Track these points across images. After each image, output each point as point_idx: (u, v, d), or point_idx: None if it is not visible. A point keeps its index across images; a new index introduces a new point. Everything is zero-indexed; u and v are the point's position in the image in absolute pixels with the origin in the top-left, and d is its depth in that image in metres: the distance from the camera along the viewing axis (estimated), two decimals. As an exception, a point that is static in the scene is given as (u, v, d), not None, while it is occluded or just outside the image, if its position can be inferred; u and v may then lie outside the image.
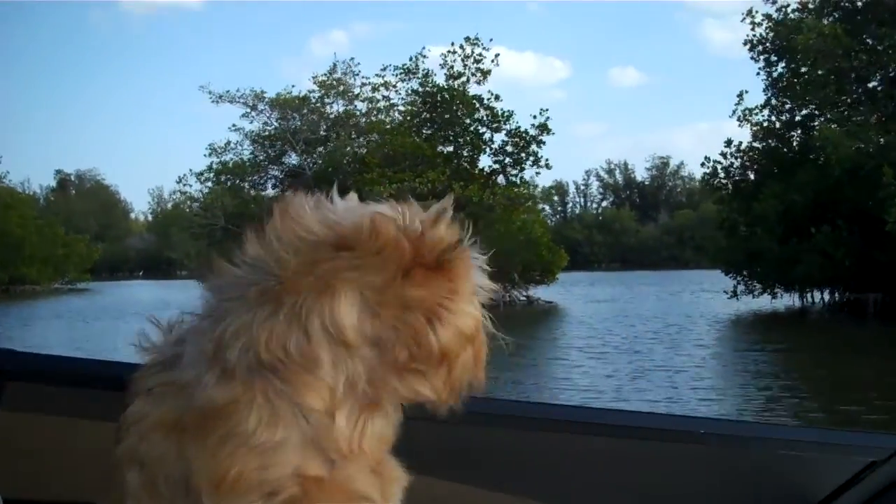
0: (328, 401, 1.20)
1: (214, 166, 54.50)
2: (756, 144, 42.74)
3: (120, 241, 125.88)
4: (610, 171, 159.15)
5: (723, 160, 43.27)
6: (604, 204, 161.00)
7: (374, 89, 52.85)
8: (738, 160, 43.03)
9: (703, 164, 43.80)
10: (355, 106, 53.85)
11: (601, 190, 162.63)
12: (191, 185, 54.90)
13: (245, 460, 1.18)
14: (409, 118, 51.95)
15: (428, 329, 1.24)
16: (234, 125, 55.00)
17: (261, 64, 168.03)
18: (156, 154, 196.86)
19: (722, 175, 43.61)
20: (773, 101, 41.78)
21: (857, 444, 1.96)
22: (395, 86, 52.37)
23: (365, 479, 1.26)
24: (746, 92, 43.55)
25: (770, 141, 42.19)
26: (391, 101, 53.13)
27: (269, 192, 55.17)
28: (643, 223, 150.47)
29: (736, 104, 43.49)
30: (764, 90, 42.14)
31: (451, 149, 50.85)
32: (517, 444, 1.96)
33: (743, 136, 47.52)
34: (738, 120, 43.60)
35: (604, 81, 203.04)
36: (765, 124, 42.44)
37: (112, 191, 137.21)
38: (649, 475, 1.99)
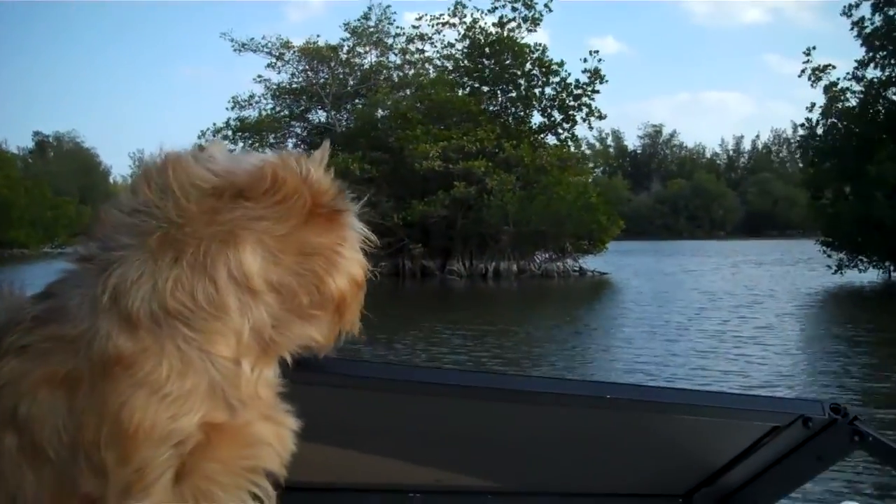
0: (235, 348, 1.21)
1: (232, 123, 50.27)
2: (850, 104, 38.99)
3: (102, 204, 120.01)
4: (601, 140, 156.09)
5: (822, 119, 39.55)
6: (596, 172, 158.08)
7: (410, 41, 48.72)
8: (839, 121, 39.20)
9: (799, 127, 40.33)
10: (388, 58, 49.44)
11: (593, 158, 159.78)
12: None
13: (157, 410, 1.16)
14: (450, 70, 47.90)
15: (327, 275, 1.27)
16: (259, 76, 50.64)
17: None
18: (136, 116, 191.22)
19: (821, 136, 39.87)
20: (877, 57, 37.96)
21: (762, 409, 1.91)
22: (430, 38, 48.31)
23: (262, 425, 1.26)
24: (814, 48, 40.12)
25: (876, 99, 38.39)
26: (426, 55, 49.06)
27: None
28: (636, 192, 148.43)
29: (805, 62, 40.13)
30: (863, 44, 38.40)
31: (498, 104, 46.92)
32: (414, 409, 1.84)
33: (807, 97, 43.68)
34: (809, 79, 40.32)
35: (582, 51, 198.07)
36: (862, 83, 38.69)
37: (91, 153, 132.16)
38: (554, 440, 1.97)
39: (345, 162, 42.53)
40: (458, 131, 43.05)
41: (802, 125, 40.98)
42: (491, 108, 46.73)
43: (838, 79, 39.48)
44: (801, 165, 48.04)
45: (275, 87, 49.65)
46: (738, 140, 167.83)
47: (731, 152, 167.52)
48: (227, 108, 50.35)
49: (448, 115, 44.86)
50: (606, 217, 43.17)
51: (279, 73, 49.40)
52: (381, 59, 48.92)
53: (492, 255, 44.41)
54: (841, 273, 37.38)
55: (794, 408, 1.89)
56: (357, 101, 49.44)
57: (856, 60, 39.03)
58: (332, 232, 1.30)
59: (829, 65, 39.69)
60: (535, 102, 45.56)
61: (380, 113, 46.92)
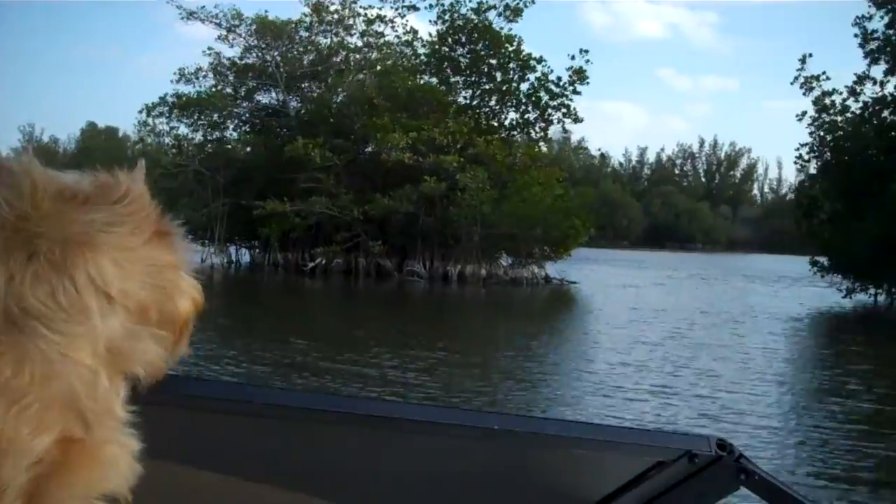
0: (94, 357, 1.12)
1: (169, 99, 46.03)
2: (848, 115, 37.63)
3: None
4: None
5: (821, 133, 38.08)
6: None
7: (371, 22, 45.24)
8: (836, 134, 37.79)
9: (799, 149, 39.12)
10: (348, 39, 45.80)
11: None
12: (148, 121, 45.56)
13: (17, 423, 1.05)
14: (415, 56, 44.80)
15: (174, 294, 1.22)
16: (209, 49, 46.26)
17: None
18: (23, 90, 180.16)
19: (818, 151, 38.40)
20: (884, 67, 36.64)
21: (648, 443, 1.84)
22: (392, 21, 45.04)
23: (113, 445, 1.17)
24: (810, 56, 38.81)
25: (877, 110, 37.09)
26: (386, 39, 45.75)
27: (232, 133, 47.00)
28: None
29: (798, 70, 38.78)
30: (866, 55, 37.10)
31: (470, 97, 44.14)
32: (266, 434, 1.71)
33: (797, 107, 42.32)
34: (802, 87, 38.98)
35: None
36: (861, 96, 37.37)
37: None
38: (438, 471, 1.86)
39: (304, 147, 39.06)
40: (428, 122, 40.06)
41: (799, 152, 39.63)
42: (460, 99, 43.91)
43: (833, 90, 38.30)
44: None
45: (227, 61, 45.62)
46: (643, 151, 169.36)
47: (634, 163, 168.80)
48: (172, 82, 46.06)
49: (415, 105, 41.85)
50: (582, 222, 40.86)
51: (232, 46, 45.38)
52: (342, 38, 45.25)
53: (455, 256, 41.59)
54: (850, 297, 36.00)
55: (680, 442, 1.80)
56: (313, 83, 45.82)
57: (855, 74, 37.88)
58: (175, 252, 1.21)
59: (823, 73, 38.53)
60: (510, 98, 42.81)
61: (340, 97, 43.53)
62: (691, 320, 26.63)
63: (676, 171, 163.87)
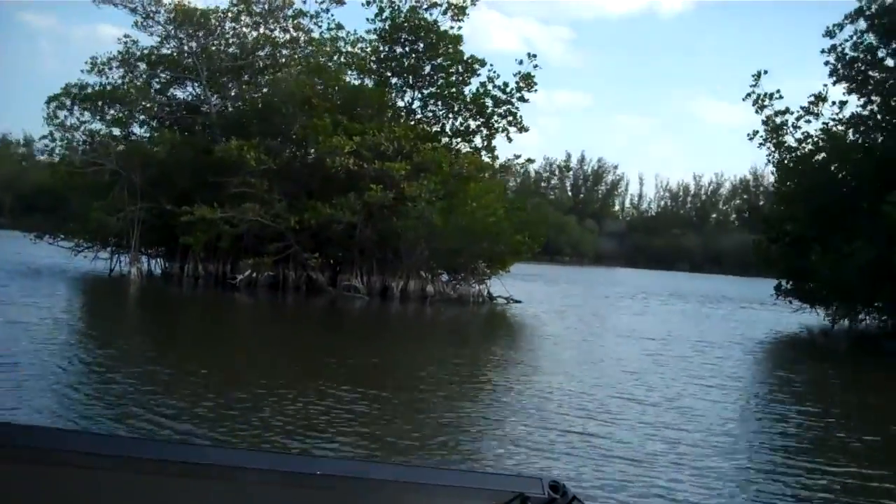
0: None
1: (72, 90, 41.31)
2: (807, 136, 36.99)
3: None
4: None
5: (776, 155, 37.29)
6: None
7: (295, 16, 41.73)
8: (794, 155, 37.03)
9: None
10: (275, 33, 42.10)
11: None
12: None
13: None
14: (343, 54, 41.65)
15: None
16: (126, 36, 41.97)
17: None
18: None
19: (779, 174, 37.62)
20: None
21: (478, 486, 1.85)
22: (317, 15, 41.75)
23: None
24: (765, 72, 38.09)
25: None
26: (312, 35, 42.34)
27: (141, 130, 42.53)
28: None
29: (752, 86, 38.00)
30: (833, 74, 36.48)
31: (409, 100, 41.38)
32: (68, 483, 1.60)
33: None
34: (754, 104, 38.22)
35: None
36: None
37: None
38: None
39: (238, 149, 35.49)
40: (371, 125, 37.12)
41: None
42: (400, 103, 41.15)
43: (787, 108, 37.60)
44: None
45: (139, 51, 41.27)
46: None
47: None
48: (82, 72, 41.32)
49: (353, 107, 38.84)
50: (533, 237, 38.76)
51: (151, 35, 41.05)
52: (268, 31, 41.53)
53: (395, 271, 38.72)
54: (834, 324, 35.24)
55: (512, 485, 1.81)
56: (234, 79, 42.02)
57: (814, 95, 37.22)
58: None
59: (777, 92, 37.83)
60: (454, 102, 40.22)
61: (268, 95, 39.91)
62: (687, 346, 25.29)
63: (543, 185, 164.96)
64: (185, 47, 40.94)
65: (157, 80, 41.98)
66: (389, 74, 40.61)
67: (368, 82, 40.60)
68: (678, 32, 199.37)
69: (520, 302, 39.21)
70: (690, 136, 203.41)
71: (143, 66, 41.64)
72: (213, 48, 40.91)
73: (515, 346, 26.12)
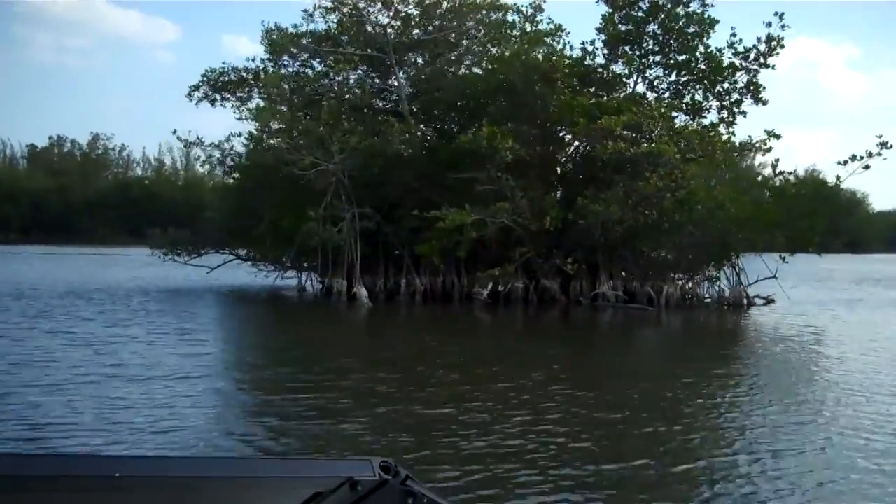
0: None
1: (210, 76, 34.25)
2: None
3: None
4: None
5: None
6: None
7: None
8: None
9: None
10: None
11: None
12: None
13: None
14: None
15: None
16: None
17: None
18: None
19: None
20: None
21: (303, 474, 1.73)
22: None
23: None
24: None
25: None
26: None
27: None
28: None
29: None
30: None
31: (639, 76, 35.21)
32: None
33: None
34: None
35: (216, 48, 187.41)
36: None
37: None
38: None
39: (490, 135, 29.15)
40: (628, 103, 31.22)
41: None
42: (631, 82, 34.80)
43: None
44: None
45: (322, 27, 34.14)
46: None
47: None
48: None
49: (586, 84, 32.94)
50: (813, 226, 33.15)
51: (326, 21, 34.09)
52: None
53: (646, 273, 32.84)
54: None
55: (340, 469, 1.72)
56: (424, 54, 35.20)
57: None
58: None
59: None
60: (691, 72, 34.21)
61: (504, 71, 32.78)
62: None
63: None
64: (360, 19, 33.75)
65: (336, 58, 34.22)
66: (616, 51, 34.22)
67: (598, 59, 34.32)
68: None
69: (772, 302, 33.52)
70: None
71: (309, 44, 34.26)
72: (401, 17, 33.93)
73: None
